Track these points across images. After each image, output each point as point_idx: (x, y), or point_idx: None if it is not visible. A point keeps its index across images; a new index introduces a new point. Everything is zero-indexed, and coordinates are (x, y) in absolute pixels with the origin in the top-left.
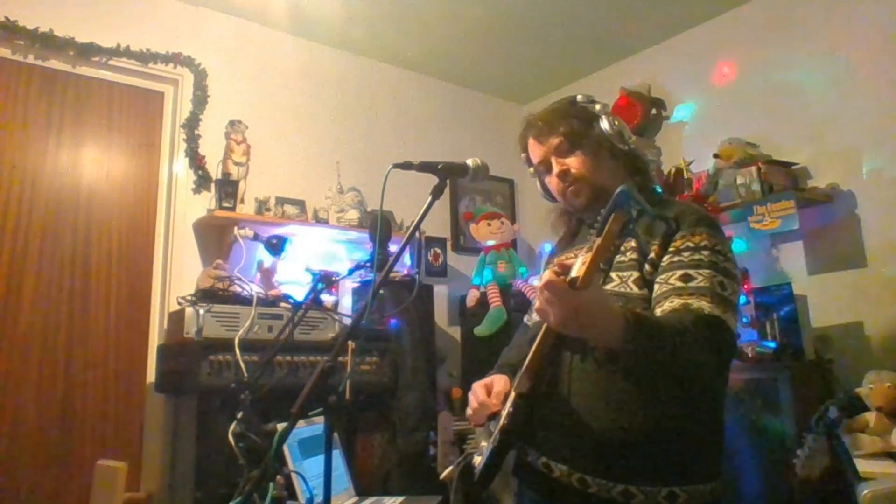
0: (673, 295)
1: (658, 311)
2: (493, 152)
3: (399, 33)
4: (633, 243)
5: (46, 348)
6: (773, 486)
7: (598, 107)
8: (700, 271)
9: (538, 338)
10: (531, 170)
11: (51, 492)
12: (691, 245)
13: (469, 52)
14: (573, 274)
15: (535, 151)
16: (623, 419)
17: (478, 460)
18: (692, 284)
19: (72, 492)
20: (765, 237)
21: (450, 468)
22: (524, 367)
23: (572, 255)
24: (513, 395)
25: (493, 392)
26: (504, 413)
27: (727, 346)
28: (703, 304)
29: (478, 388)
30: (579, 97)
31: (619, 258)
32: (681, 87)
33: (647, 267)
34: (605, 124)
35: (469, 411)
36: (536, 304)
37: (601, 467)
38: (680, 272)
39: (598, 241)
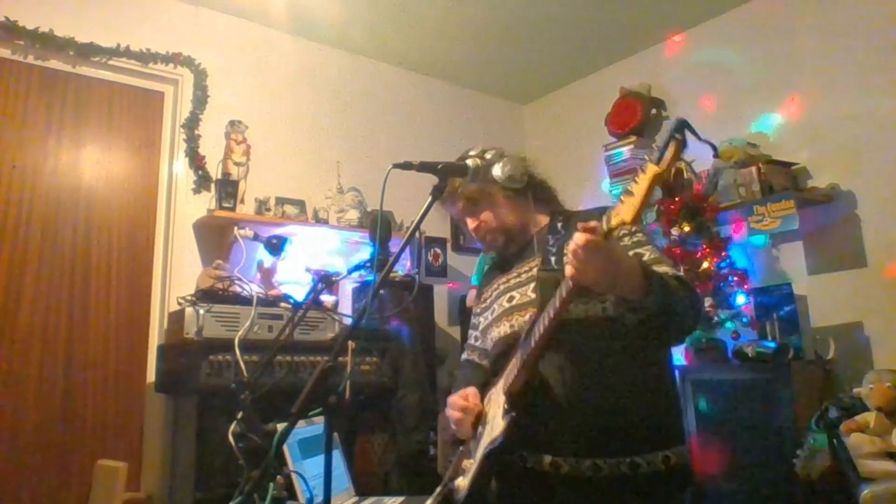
0: None
1: None
2: None
3: (399, 33)
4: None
5: (46, 348)
6: (773, 486)
7: (488, 155)
8: (644, 248)
9: (535, 340)
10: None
11: (51, 492)
12: (624, 232)
13: (469, 52)
14: (617, 219)
15: (449, 212)
16: (616, 402)
17: (462, 483)
18: (645, 259)
19: (72, 492)
20: (765, 237)
21: (429, 501)
22: (517, 367)
23: (503, 281)
24: (502, 398)
25: (469, 396)
26: (494, 418)
27: (699, 299)
28: (666, 269)
29: (455, 399)
30: (471, 153)
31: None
32: (680, 86)
33: None
34: (496, 172)
35: (453, 426)
36: (568, 270)
37: (610, 447)
38: (630, 253)
39: (655, 168)
